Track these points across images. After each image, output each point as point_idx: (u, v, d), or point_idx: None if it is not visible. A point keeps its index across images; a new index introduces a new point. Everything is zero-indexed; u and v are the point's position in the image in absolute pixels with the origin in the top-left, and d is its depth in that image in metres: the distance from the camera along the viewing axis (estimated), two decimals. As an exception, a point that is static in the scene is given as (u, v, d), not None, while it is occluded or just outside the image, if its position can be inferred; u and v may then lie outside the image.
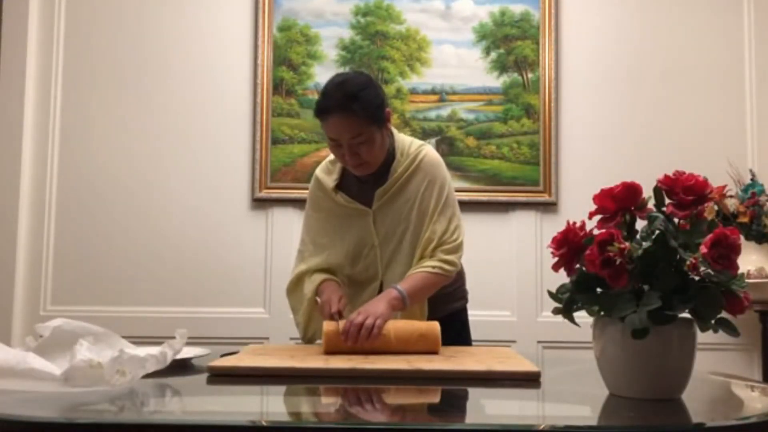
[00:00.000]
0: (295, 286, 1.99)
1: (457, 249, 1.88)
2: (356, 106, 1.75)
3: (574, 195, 3.17)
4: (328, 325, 1.67)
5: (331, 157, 1.96)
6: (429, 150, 1.94)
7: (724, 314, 1.13)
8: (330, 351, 1.63)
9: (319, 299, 1.85)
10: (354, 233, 1.92)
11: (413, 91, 3.23)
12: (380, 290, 1.88)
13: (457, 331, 1.99)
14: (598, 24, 3.30)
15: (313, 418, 1.20)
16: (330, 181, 1.94)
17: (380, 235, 1.90)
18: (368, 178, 1.90)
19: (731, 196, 2.99)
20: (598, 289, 1.17)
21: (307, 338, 1.95)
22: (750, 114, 3.28)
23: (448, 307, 1.98)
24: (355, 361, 1.51)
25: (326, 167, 1.99)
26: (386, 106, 1.86)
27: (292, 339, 2.99)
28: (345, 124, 1.76)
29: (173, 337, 1.40)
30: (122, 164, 3.20)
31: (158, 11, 3.26)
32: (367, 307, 1.70)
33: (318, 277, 1.92)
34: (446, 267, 1.85)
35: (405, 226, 1.89)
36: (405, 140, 1.95)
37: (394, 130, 1.95)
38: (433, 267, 1.83)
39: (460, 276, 2.05)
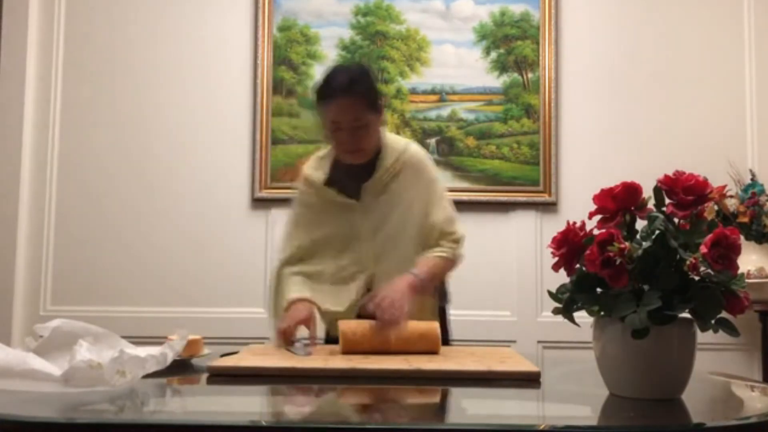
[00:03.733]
0: (276, 286, 1.96)
1: (460, 239, 1.94)
2: (360, 89, 1.84)
3: (574, 195, 3.17)
4: (343, 324, 1.68)
5: (319, 153, 2.02)
6: (414, 146, 2.01)
7: (724, 314, 1.13)
8: (347, 350, 1.63)
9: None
10: (342, 226, 1.94)
11: (413, 91, 3.23)
12: (371, 283, 1.89)
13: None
14: (598, 24, 3.30)
15: (313, 418, 1.20)
16: (319, 176, 1.97)
17: (368, 229, 1.92)
18: (356, 171, 1.92)
19: (731, 196, 2.99)
20: (598, 289, 1.17)
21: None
22: (750, 114, 3.28)
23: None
24: (355, 361, 1.51)
25: (314, 164, 2.02)
26: (382, 96, 1.94)
27: (292, 339, 2.98)
28: (348, 106, 1.82)
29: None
30: (122, 164, 3.20)
31: (158, 11, 3.26)
32: (389, 292, 1.73)
33: (293, 292, 1.87)
34: (456, 251, 1.91)
35: (394, 219, 1.91)
36: (390, 136, 2.01)
37: (381, 128, 2.00)
38: (443, 251, 1.89)
39: None
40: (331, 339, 1.90)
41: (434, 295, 1.93)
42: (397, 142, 1.99)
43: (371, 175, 1.92)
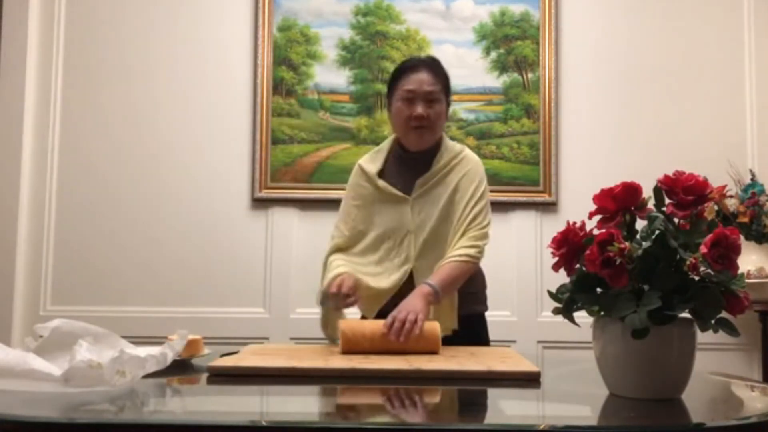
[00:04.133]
0: (322, 273, 2.02)
1: (483, 236, 1.96)
2: (440, 70, 2.01)
3: (574, 195, 3.17)
4: (344, 324, 1.68)
5: (375, 148, 2.10)
6: (470, 151, 2.08)
7: (724, 314, 1.13)
8: (347, 350, 1.63)
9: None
10: (390, 218, 1.98)
11: (413, 91, 3.23)
12: (411, 276, 1.93)
13: (483, 334, 2.05)
14: (598, 24, 3.30)
15: (312, 418, 1.20)
16: (373, 168, 2.03)
17: (416, 223, 1.96)
18: (411, 165, 1.99)
19: (731, 196, 2.99)
20: (598, 289, 1.17)
21: (327, 334, 1.95)
22: (750, 114, 3.28)
23: (474, 308, 2.02)
24: (355, 361, 1.51)
25: (370, 157, 2.09)
26: (450, 96, 2.04)
27: (292, 339, 2.99)
28: (428, 78, 1.96)
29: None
30: (122, 164, 3.20)
31: (158, 11, 3.26)
32: (406, 304, 1.75)
33: (336, 269, 1.94)
34: (472, 253, 1.92)
35: (441, 215, 1.96)
36: (449, 140, 2.08)
37: (443, 126, 2.08)
38: (460, 255, 1.90)
39: (483, 282, 2.11)
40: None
41: (453, 297, 1.93)
42: (454, 144, 2.07)
43: (425, 170, 1.99)
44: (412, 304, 1.74)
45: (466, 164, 2.01)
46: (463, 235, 1.93)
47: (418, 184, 1.98)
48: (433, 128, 1.98)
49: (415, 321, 1.66)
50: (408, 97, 1.95)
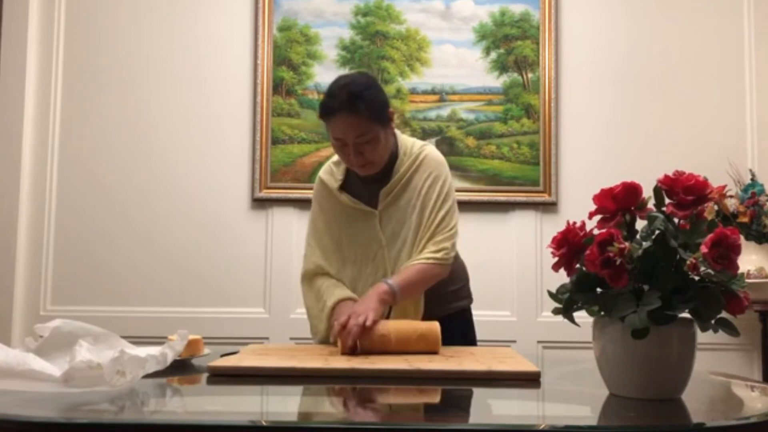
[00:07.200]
0: (309, 287, 1.96)
1: (451, 237, 1.89)
2: (361, 105, 1.78)
3: (574, 195, 3.17)
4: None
5: (334, 158, 1.98)
6: (431, 149, 1.97)
7: (724, 314, 1.13)
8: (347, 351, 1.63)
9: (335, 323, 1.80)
10: (361, 235, 1.92)
11: (413, 91, 3.23)
12: None
13: (462, 331, 2.00)
14: (598, 24, 3.30)
15: (313, 418, 1.20)
16: (334, 182, 1.95)
17: (387, 236, 1.90)
18: (372, 178, 1.91)
19: (731, 196, 2.99)
20: (598, 289, 1.17)
21: (318, 340, 1.92)
22: (750, 114, 3.28)
23: (453, 306, 1.98)
24: (355, 361, 1.51)
25: (329, 169, 2.00)
26: (389, 107, 1.88)
27: (292, 339, 2.99)
28: (350, 124, 1.79)
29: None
30: (122, 164, 3.21)
31: (158, 11, 3.26)
32: (357, 306, 1.71)
33: (335, 295, 1.87)
34: (438, 255, 1.85)
35: (410, 224, 1.89)
36: (407, 140, 1.98)
37: (398, 132, 1.98)
38: (426, 258, 1.84)
39: (465, 275, 2.07)
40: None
41: (418, 300, 1.88)
42: (413, 144, 1.96)
43: (388, 179, 1.91)
44: (364, 305, 1.69)
45: (427, 166, 1.91)
46: (429, 239, 1.86)
47: (383, 195, 1.90)
48: (375, 162, 1.86)
49: (364, 324, 1.61)
50: (338, 144, 1.83)
